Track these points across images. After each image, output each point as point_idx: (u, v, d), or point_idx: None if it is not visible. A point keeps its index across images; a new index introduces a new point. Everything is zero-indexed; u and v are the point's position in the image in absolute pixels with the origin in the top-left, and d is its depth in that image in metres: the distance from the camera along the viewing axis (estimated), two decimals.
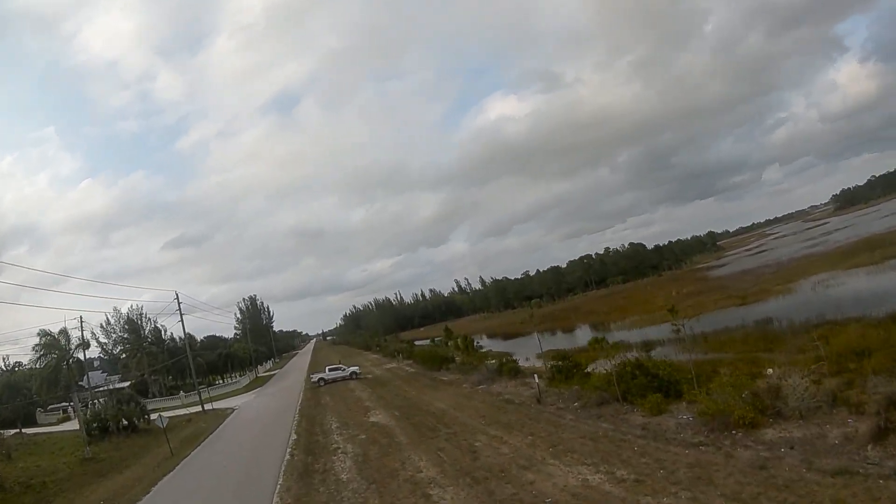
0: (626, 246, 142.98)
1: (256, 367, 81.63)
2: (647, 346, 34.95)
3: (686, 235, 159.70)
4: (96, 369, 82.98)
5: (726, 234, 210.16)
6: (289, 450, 20.93)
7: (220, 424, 33.05)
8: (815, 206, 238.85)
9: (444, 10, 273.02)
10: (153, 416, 32.63)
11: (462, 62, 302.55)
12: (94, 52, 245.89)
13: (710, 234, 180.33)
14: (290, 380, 60.67)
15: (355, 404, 30.38)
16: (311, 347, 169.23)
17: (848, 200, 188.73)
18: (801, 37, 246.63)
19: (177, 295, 45.71)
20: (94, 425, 34.19)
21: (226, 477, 18.99)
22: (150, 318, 62.86)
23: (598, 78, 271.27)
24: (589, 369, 25.83)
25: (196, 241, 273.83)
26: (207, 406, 42.85)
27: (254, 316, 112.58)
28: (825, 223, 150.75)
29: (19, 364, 59.50)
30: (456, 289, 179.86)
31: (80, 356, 41.62)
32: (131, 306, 63.42)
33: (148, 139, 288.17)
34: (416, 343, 69.79)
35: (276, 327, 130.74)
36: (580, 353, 31.87)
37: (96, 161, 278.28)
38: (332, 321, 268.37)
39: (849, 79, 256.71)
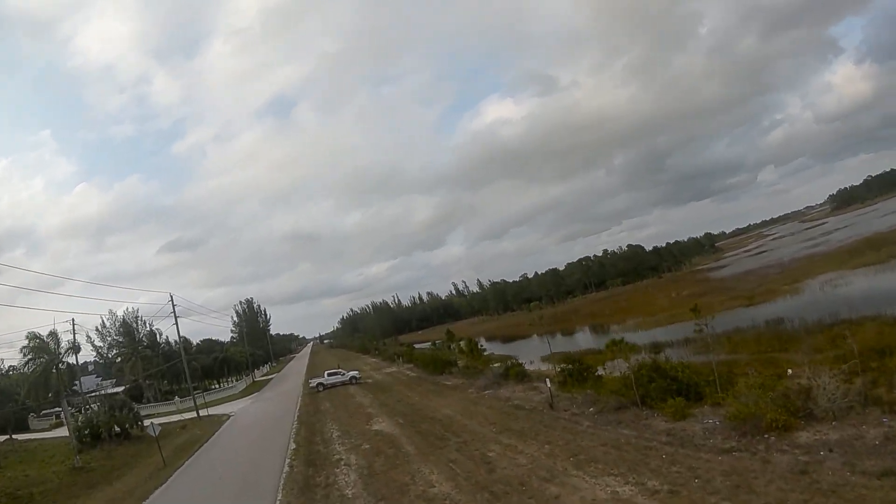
0: (624, 248, 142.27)
1: (253, 371, 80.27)
2: (656, 348, 34.08)
3: (682, 237, 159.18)
4: (90, 373, 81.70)
5: (723, 235, 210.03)
6: (288, 460, 19.76)
7: (216, 432, 31.83)
8: (811, 206, 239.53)
9: (440, 14, 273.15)
10: (146, 423, 31.44)
11: (458, 65, 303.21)
12: (90, 56, 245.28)
13: (708, 235, 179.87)
14: (287, 384, 59.44)
15: (356, 411, 29.20)
16: (309, 351, 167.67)
17: (845, 200, 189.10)
18: (797, 38, 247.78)
19: (171, 297, 44.51)
20: (86, 432, 32.96)
21: (221, 490, 17.84)
22: (145, 322, 61.80)
23: (593, 80, 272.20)
24: (599, 372, 25.20)
25: (192, 245, 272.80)
26: (203, 412, 41.61)
27: (250, 319, 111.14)
28: (823, 223, 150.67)
29: (13, 368, 58.17)
30: (453, 291, 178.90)
31: (72, 360, 40.46)
32: (126, 309, 62.12)
33: (143, 143, 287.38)
34: (416, 346, 68.75)
35: (273, 331, 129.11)
36: (588, 355, 30.96)
37: (92, 165, 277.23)
38: (329, 324, 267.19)
39: (844, 80, 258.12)
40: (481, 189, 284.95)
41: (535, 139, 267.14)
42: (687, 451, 13.09)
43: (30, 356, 29.11)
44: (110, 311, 60.84)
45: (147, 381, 60.72)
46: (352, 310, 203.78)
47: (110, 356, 63.96)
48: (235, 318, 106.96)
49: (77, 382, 48.91)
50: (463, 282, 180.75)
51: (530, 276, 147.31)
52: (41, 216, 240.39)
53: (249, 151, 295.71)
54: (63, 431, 41.44)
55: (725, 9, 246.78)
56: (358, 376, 44.90)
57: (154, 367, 58.66)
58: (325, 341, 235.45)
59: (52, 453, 32.64)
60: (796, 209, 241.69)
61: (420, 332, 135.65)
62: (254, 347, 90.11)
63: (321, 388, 42.89)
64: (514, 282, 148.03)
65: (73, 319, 40.47)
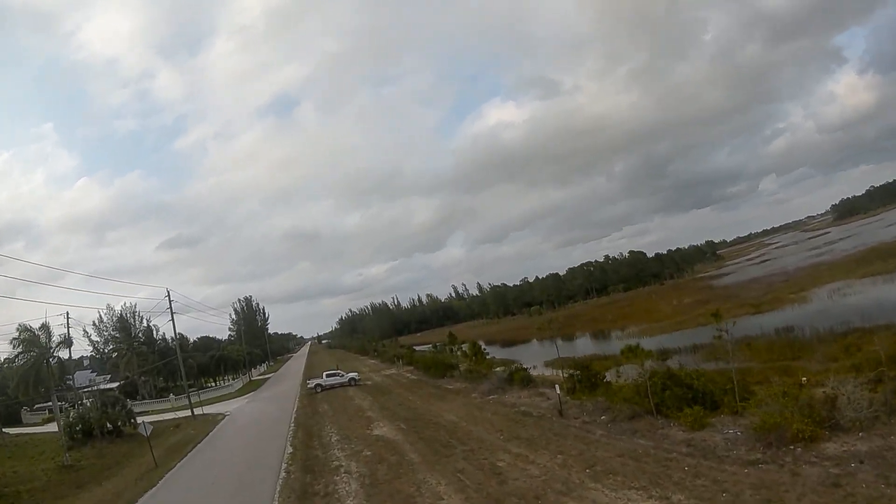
0: (625, 254, 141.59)
1: (250, 370, 79.31)
2: (663, 354, 33.36)
3: (682, 245, 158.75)
4: (86, 368, 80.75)
5: (723, 243, 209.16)
6: (284, 465, 18.78)
7: (210, 432, 30.84)
8: (812, 216, 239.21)
9: (441, 15, 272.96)
10: (140, 420, 30.54)
11: (459, 67, 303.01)
12: (94, 50, 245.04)
13: (709, 243, 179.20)
14: (285, 384, 58.51)
15: (356, 414, 28.23)
16: (307, 351, 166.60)
17: (847, 210, 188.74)
18: (800, 48, 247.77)
19: (168, 292, 43.62)
20: (78, 428, 32.09)
21: (214, 496, 16.84)
22: (142, 317, 61.00)
23: (595, 86, 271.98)
24: (605, 379, 24.44)
25: (191, 242, 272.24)
26: (198, 410, 40.70)
27: (249, 317, 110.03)
28: (826, 233, 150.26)
29: (8, 361, 57.31)
30: (453, 294, 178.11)
31: (64, 354, 39.62)
32: (124, 304, 61.30)
33: (145, 139, 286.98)
34: (416, 349, 67.86)
35: (271, 330, 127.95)
36: (593, 361, 30.16)
37: (93, 159, 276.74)
38: (328, 325, 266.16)
39: (847, 90, 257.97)
40: (481, 192, 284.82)
41: (536, 143, 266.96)
42: (710, 463, 12.52)
43: (20, 349, 28.20)
44: (108, 306, 59.98)
45: (142, 378, 59.89)
46: (350, 310, 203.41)
47: (106, 351, 63.13)
48: (233, 316, 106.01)
49: (70, 377, 48.10)
50: (463, 284, 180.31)
51: (529, 280, 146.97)
52: (41, 210, 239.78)
53: (250, 150, 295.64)
54: (55, 426, 40.59)
55: (729, 17, 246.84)
56: (357, 378, 44.01)
57: (149, 363, 57.77)
58: (324, 341, 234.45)
59: (42, 449, 31.79)
60: (797, 219, 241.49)
61: (419, 335, 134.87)
62: (251, 346, 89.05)
63: (319, 390, 41.99)
64: (514, 286, 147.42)
65: (66, 313, 39.64)
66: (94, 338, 60.68)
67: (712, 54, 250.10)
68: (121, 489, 20.09)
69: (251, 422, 34.01)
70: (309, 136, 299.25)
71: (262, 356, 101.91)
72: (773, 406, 13.38)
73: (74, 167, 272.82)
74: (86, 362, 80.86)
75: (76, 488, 22.02)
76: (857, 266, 60.02)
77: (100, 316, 59.93)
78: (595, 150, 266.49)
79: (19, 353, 28.80)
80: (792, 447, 12.31)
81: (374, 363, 66.52)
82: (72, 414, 35.50)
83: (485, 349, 35.97)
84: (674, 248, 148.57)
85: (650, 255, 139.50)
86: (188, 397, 41.95)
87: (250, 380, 71.83)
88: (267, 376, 78.23)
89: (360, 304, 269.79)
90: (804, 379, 18.67)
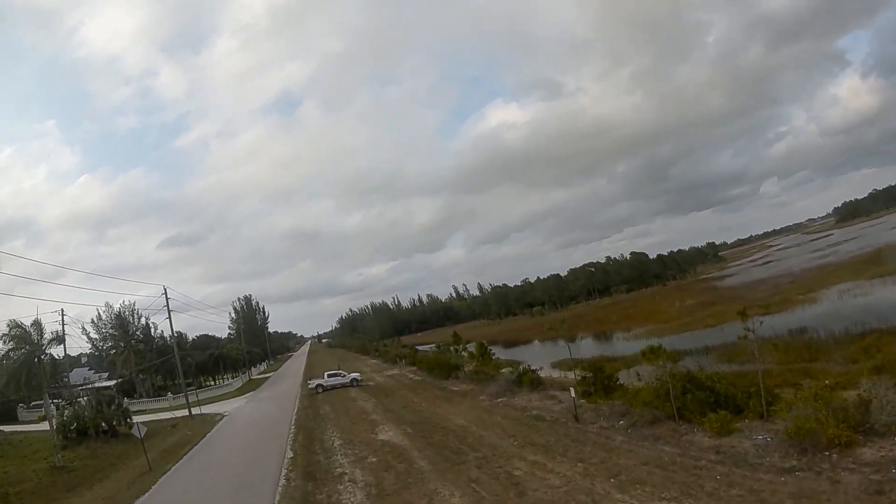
0: (627, 256, 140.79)
1: (250, 369, 78.34)
2: (674, 356, 32.48)
3: (684, 246, 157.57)
4: (83, 366, 79.88)
5: (724, 245, 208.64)
6: (284, 471, 17.74)
7: (207, 433, 29.85)
8: (813, 219, 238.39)
9: (445, 16, 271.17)
10: (134, 421, 29.58)
11: (462, 68, 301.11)
12: (96, 47, 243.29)
13: (711, 244, 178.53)
14: (285, 384, 57.57)
15: (359, 416, 27.18)
16: (307, 350, 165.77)
17: (849, 213, 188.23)
18: (803, 50, 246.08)
19: (165, 290, 42.69)
20: (73, 427, 31.13)
21: None
22: (140, 315, 60.08)
23: (598, 87, 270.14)
24: (619, 381, 23.60)
25: (192, 241, 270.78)
26: (196, 410, 39.73)
27: (248, 316, 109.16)
28: (829, 235, 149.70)
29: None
30: (454, 294, 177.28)
31: (57, 351, 38.87)
32: (123, 302, 60.41)
33: (147, 136, 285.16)
34: (419, 348, 66.93)
35: (271, 328, 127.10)
36: (603, 362, 29.31)
37: (95, 156, 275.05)
38: (328, 324, 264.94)
39: (850, 93, 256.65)
40: (483, 193, 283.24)
41: (539, 144, 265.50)
42: (743, 472, 11.85)
43: (10, 345, 27.30)
44: (106, 304, 59.12)
45: (140, 376, 59.00)
46: (351, 310, 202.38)
47: (104, 349, 62.27)
48: (233, 315, 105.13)
49: (66, 375, 47.25)
50: (463, 285, 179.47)
51: (530, 281, 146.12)
52: (42, 207, 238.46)
53: (252, 148, 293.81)
54: (52, 424, 39.62)
55: (732, 19, 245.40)
56: (359, 378, 43.06)
57: (147, 361, 56.85)
58: (324, 340, 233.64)
59: (35, 448, 30.81)
60: (798, 221, 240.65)
61: (420, 335, 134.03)
62: (251, 345, 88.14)
63: (320, 390, 41.03)
64: (516, 286, 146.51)
65: (61, 310, 38.85)
66: (93, 335, 59.87)
67: (715, 57, 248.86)
68: (112, 493, 19.13)
69: (250, 422, 33.08)
70: (311, 136, 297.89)
71: (261, 355, 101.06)
72: (805, 410, 12.74)
73: (76, 164, 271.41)
74: (84, 360, 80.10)
75: (67, 491, 21.03)
76: (864, 268, 59.28)
77: (98, 313, 59.12)
78: (597, 151, 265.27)
79: (9, 350, 27.85)
80: (827, 453, 11.72)
81: (375, 363, 65.55)
82: (66, 413, 34.61)
83: (490, 350, 35.09)
84: (675, 250, 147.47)
85: (651, 256, 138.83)
86: (185, 397, 40.99)
87: (250, 379, 70.88)
88: (267, 375, 77.26)
89: (360, 303, 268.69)
90: (826, 382, 18.00)
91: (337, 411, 30.11)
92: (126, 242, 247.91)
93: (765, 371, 23.83)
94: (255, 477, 17.76)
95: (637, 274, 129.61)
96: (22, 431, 37.96)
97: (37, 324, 27.38)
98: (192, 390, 49.87)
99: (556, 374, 35.14)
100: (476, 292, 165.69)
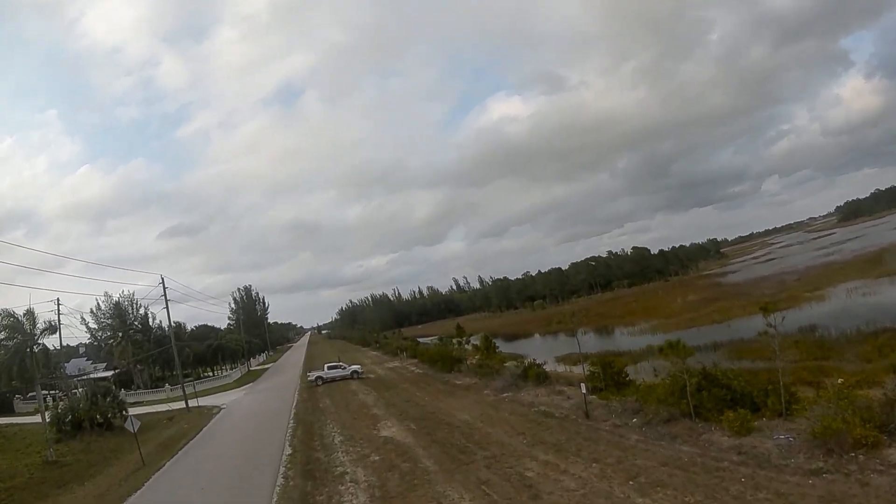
0: (626, 251, 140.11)
1: (249, 360, 77.67)
2: (692, 352, 31.85)
3: (684, 243, 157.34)
4: (82, 356, 79.27)
5: (725, 242, 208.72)
6: (282, 469, 16.90)
7: (204, 427, 29.05)
8: (814, 217, 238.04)
9: (448, 9, 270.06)
10: (130, 413, 28.86)
11: (465, 61, 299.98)
12: (97, 37, 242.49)
13: (713, 241, 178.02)
14: (284, 375, 56.86)
15: (360, 411, 26.33)
16: (306, 341, 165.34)
17: (852, 212, 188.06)
18: (806, 50, 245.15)
19: (162, 279, 41.82)
20: (67, 420, 30.42)
21: None
22: (139, 305, 59.36)
23: (601, 82, 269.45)
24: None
25: (192, 231, 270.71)
26: (193, 402, 38.99)
27: (248, 307, 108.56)
28: (831, 234, 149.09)
29: None
30: (454, 287, 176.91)
31: (53, 342, 37.96)
32: (122, 292, 59.68)
33: (148, 127, 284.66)
34: (420, 341, 66.29)
35: (271, 319, 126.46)
36: (609, 357, 28.56)
37: (96, 147, 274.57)
38: (328, 315, 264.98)
39: (853, 93, 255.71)
40: (484, 186, 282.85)
41: (540, 138, 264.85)
42: (768, 473, 11.32)
43: (2, 335, 26.51)
44: (105, 294, 58.38)
45: (137, 367, 58.33)
46: (351, 301, 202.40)
47: (101, 338, 61.58)
48: (233, 305, 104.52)
49: (63, 365, 46.49)
50: (464, 277, 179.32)
51: (531, 274, 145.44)
52: (43, 197, 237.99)
53: (253, 140, 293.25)
54: (48, 416, 38.96)
55: (736, 17, 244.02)
56: (360, 371, 42.31)
57: (145, 351, 56.14)
58: (324, 332, 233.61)
59: (29, 441, 30.16)
60: (798, 220, 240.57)
61: (420, 327, 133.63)
62: (251, 335, 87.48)
63: (320, 382, 40.29)
64: (517, 279, 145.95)
65: (57, 300, 37.95)
66: (92, 325, 59.22)
67: (718, 54, 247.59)
68: (103, 490, 18.35)
69: (248, 415, 32.35)
70: (312, 128, 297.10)
71: (261, 346, 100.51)
72: (830, 409, 12.27)
73: (77, 154, 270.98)
74: (82, 350, 79.47)
75: (58, 487, 20.25)
76: (871, 266, 58.68)
77: (97, 303, 58.44)
78: (599, 146, 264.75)
79: (1, 340, 27.06)
80: (853, 454, 11.31)
81: (375, 355, 64.84)
82: (60, 405, 33.86)
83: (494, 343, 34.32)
84: (675, 246, 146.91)
85: (652, 251, 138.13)
86: (182, 388, 40.24)
87: (249, 370, 70.21)
88: (266, 366, 76.63)
89: (359, 295, 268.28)
90: (840, 380, 17.44)
91: (337, 405, 29.32)
92: (126, 233, 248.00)
93: (774, 368, 23.22)
94: (252, 475, 16.96)
95: (639, 269, 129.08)
96: (17, 424, 37.26)
97: (29, 313, 26.64)
98: (189, 381, 49.17)
99: (560, 368, 34.44)
100: (476, 285, 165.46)
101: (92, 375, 60.26)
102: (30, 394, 49.55)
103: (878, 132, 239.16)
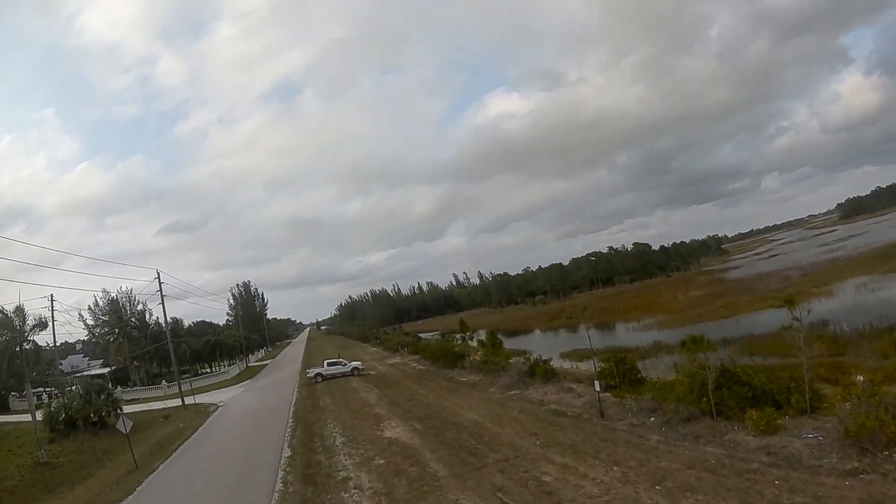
0: (626, 247, 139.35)
1: (247, 356, 76.78)
2: (714, 347, 31.15)
3: (684, 239, 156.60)
4: (78, 353, 78.43)
5: (725, 238, 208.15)
6: (282, 473, 15.99)
7: (200, 426, 28.15)
8: (814, 215, 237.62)
9: (446, 5, 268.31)
10: (125, 412, 27.94)
11: (464, 57, 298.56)
12: (95, 35, 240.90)
13: (714, 237, 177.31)
14: (283, 372, 55.99)
15: (362, 409, 25.38)
16: (305, 337, 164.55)
17: (853, 209, 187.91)
18: (806, 46, 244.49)
19: (158, 274, 40.87)
20: (61, 418, 29.50)
21: None
22: (137, 301, 58.57)
23: (601, 78, 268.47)
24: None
25: (191, 228, 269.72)
26: (190, 400, 38.10)
27: (247, 302, 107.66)
28: (833, 230, 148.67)
29: None
30: (454, 282, 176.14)
31: (48, 339, 37.10)
32: (120, 288, 58.99)
33: (147, 124, 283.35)
34: (421, 336, 65.38)
35: (270, 315, 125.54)
36: (619, 353, 27.74)
37: (94, 144, 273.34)
38: (327, 311, 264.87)
39: (852, 91, 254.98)
40: (483, 182, 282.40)
41: (540, 134, 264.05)
42: (802, 475, 10.77)
43: None
44: (103, 290, 57.63)
45: (134, 363, 57.48)
46: (350, 297, 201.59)
47: (98, 335, 60.75)
48: (232, 301, 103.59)
49: (60, 362, 45.69)
50: (464, 273, 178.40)
51: (531, 270, 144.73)
52: (42, 194, 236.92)
53: (252, 136, 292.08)
54: (39, 415, 38.04)
55: (735, 13, 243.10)
56: (360, 367, 41.42)
57: (141, 348, 55.26)
58: (323, 327, 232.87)
59: (22, 441, 29.18)
60: (798, 217, 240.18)
61: (420, 322, 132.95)
62: (249, 331, 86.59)
63: (319, 379, 39.40)
64: (517, 274, 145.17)
65: (50, 296, 37.05)
66: (89, 322, 58.44)
67: (718, 50, 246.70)
68: (94, 494, 17.43)
69: (246, 413, 31.43)
70: (311, 123, 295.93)
71: (260, 342, 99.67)
72: (861, 407, 11.72)
73: (75, 151, 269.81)
74: (78, 347, 78.66)
75: (47, 492, 19.29)
76: (878, 262, 58.00)
77: (95, 300, 57.97)
78: (598, 142, 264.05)
79: None
80: (888, 453, 10.93)
81: (376, 351, 63.91)
82: (54, 403, 32.98)
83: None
84: (676, 242, 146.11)
85: (653, 247, 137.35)
86: (179, 386, 39.35)
87: (247, 366, 69.28)
88: (265, 363, 75.72)
89: (359, 291, 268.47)
90: (860, 377, 16.77)
91: (338, 403, 28.40)
92: (125, 229, 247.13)
93: (796, 364, 22.33)
94: (250, 479, 16.04)
95: (640, 265, 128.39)
96: (11, 422, 36.31)
97: (19, 310, 25.74)
98: (186, 378, 48.31)
99: (566, 364, 33.61)
100: (476, 280, 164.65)
101: (88, 372, 59.35)
102: (24, 391, 48.73)
103: (877, 130, 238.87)
